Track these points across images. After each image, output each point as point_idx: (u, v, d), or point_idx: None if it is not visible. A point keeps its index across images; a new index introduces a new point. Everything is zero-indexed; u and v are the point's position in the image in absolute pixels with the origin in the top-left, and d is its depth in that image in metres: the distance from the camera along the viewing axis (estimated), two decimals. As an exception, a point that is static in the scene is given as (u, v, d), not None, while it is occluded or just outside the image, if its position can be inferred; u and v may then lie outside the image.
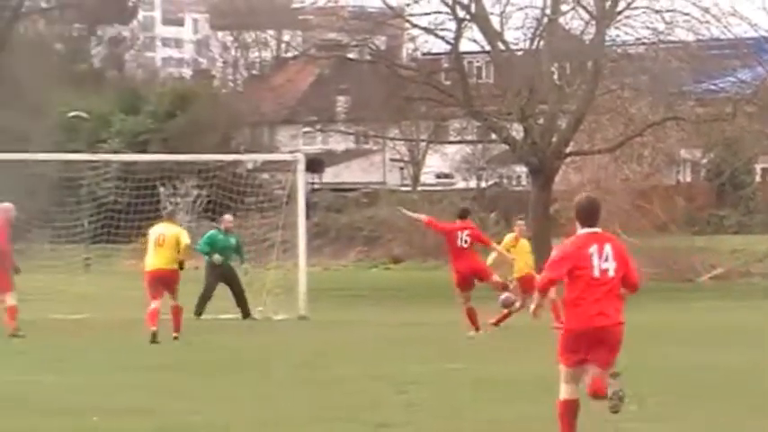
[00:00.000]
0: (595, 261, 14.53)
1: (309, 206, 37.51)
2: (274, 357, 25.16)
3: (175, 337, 28.31)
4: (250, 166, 61.86)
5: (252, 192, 47.82)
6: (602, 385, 14.57)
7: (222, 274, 34.49)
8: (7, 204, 30.37)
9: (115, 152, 63.66)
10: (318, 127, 79.68)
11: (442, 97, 58.84)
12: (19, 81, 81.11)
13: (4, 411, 17.72)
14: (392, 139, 79.17)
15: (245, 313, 34.71)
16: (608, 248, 14.64)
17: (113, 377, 22.10)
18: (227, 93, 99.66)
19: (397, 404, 18.76)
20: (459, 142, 72.56)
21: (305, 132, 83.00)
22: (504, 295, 29.75)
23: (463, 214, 31.53)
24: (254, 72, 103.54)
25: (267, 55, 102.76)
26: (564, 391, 14.62)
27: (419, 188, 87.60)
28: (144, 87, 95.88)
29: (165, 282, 28.41)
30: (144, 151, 65.20)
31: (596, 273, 14.57)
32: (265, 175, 60.29)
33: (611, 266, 14.63)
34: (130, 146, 71.64)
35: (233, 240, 34.70)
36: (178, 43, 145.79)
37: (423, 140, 79.88)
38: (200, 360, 24.38)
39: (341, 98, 77.68)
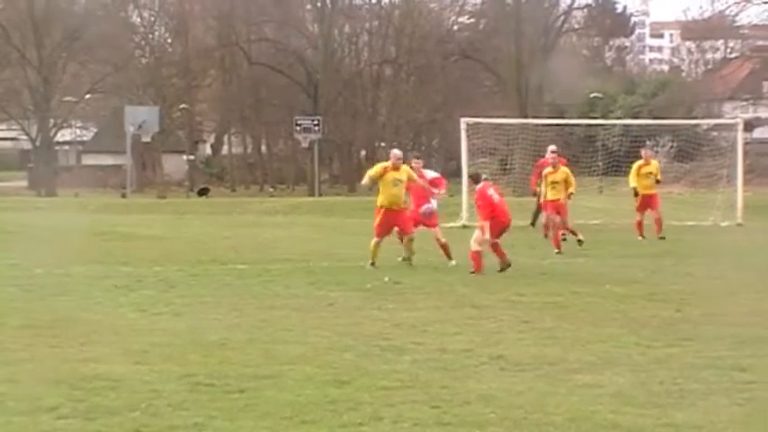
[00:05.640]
0: None
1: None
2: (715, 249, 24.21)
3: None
4: (705, 127, 60.14)
5: (706, 143, 46.70)
6: None
7: None
8: (552, 147, 29.74)
9: (618, 119, 63.05)
10: (751, 102, 77.37)
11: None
12: (558, 74, 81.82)
13: (551, 281, 18.02)
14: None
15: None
16: None
17: (621, 260, 21.76)
18: (691, 81, 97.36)
19: None
20: None
21: (741, 105, 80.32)
22: None
23: None
24: (708, 67, 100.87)
25: (717, 56, 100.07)
26: None
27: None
28: (638, 77, 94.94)
29: None
30: (637, 118, 64.36)
31: None
32: (714, 133, 58.48)
33: None
34: (629, 115, 70.87)
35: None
36: (660, 49, 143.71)
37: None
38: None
39: (766, 83, 75.03)
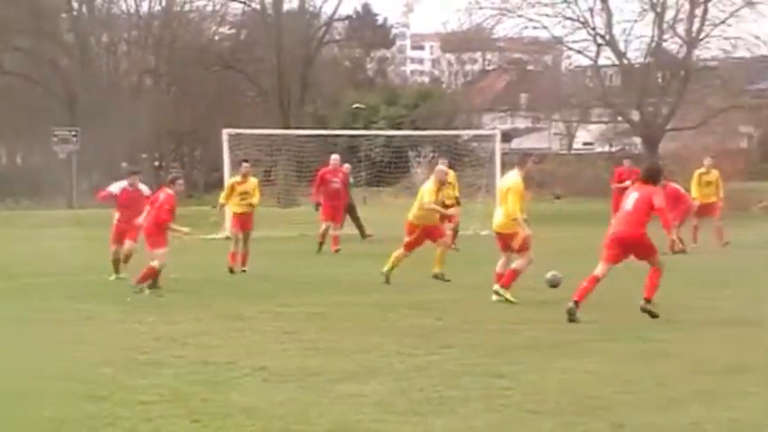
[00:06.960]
0: None
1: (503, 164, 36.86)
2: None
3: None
4: (465, 137, 61.49)
5: (466, 154, 47.74)
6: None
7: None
8: (335, 155, 29.20)
9: (381, 130, 63.92)
10: (509, 113, 79.71)
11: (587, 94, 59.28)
12: (320, 85, 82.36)
13: (316, 291, 18.05)
14: (555, 120, 78.95)
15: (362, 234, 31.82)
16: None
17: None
18: (452, 92, 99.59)
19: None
20: (598, 122, 71.32)
21: (500, 117, 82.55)
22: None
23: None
24: (468, 79, 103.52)
25: (476, 68, 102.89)
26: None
27: (572, 152, 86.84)
28: (399, 89, 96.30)
29: None
30: (399, 129, 65.35)
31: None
32: (474, 144, 59.84)
33: None
34: (391, 126, 71.78)
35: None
36: (421, 61, 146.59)
37: (575, 121, 78.73)
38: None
39: (523, 95, 77.38)
